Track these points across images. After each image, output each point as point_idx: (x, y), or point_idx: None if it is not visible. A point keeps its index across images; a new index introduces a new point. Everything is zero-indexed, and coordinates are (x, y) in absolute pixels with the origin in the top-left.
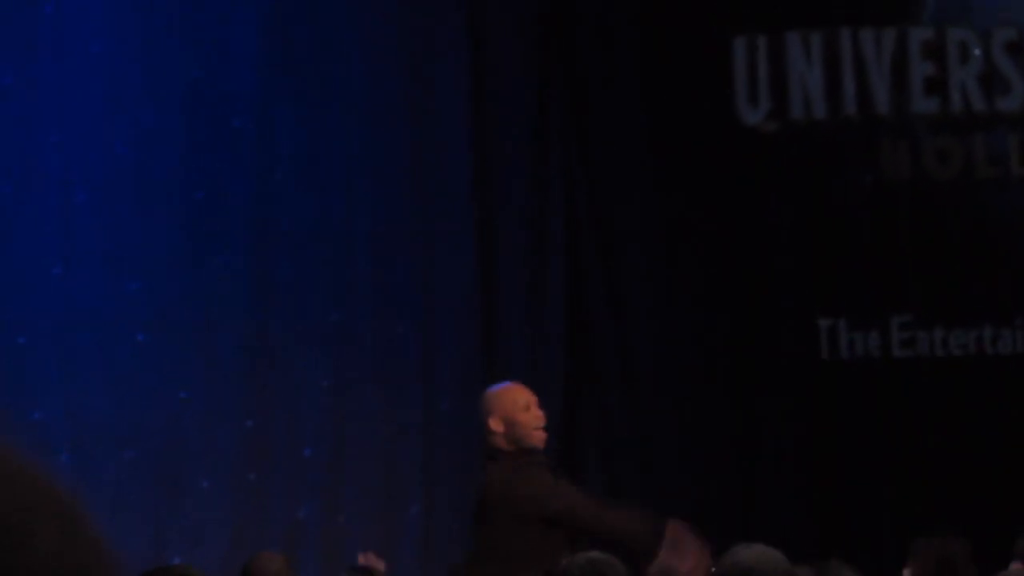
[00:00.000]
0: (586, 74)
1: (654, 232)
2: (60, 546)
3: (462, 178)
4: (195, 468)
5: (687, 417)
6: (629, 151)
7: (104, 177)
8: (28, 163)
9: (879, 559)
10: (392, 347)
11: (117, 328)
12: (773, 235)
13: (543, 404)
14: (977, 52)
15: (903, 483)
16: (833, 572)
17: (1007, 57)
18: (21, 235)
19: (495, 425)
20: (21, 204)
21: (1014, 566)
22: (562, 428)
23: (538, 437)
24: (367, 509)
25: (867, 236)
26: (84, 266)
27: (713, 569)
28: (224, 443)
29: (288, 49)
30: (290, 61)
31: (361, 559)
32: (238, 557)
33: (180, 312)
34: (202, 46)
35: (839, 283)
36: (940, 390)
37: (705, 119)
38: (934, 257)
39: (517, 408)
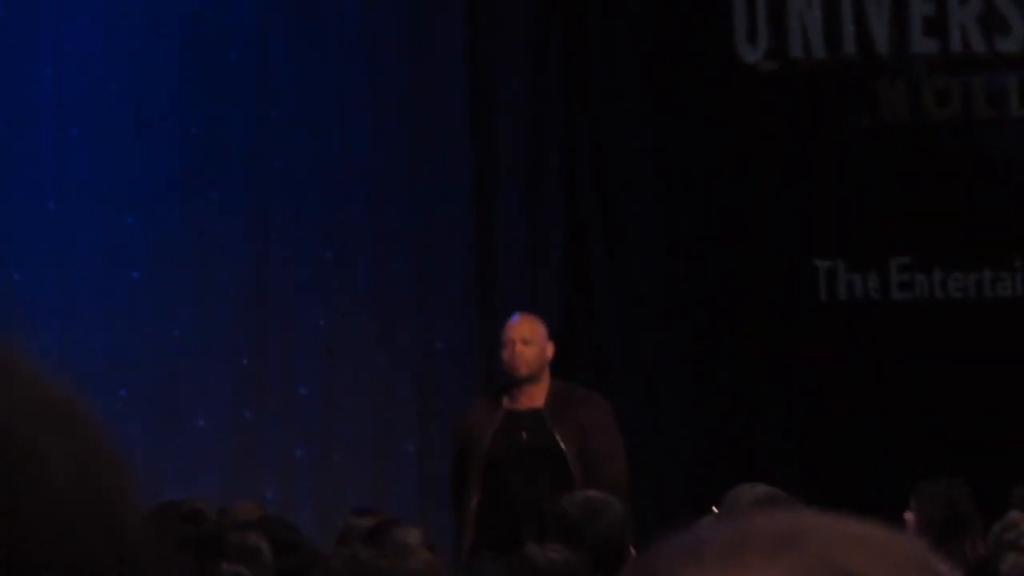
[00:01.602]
0: (585, 10)
1: (651, 169)
2: (73, 460)
3: (459, 111)
4: (190, 406)
5: (685, 357)
6: (627, 87)
7: (99, 111)
8: (21, 97)
9: (879, 502)
10: (386, 284)
11: (112, 264)
12: (771, 175)
13: None
14: None
15: (902, 425)
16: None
17: None
18: (15, 170)
19: None
20: (14, 139)
21: (1013, 514)
22: (559, 366)
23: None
24: (362, 447)
25: (865, 177)
26: (79, 201)
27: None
28: (219, 381)
29: None
30: None
31: None
32: (233, 495)
33: (175, 248)
34: None
35: (837, 224)
36: (939, 332)
37: (703, 57)
38: (933, 199)
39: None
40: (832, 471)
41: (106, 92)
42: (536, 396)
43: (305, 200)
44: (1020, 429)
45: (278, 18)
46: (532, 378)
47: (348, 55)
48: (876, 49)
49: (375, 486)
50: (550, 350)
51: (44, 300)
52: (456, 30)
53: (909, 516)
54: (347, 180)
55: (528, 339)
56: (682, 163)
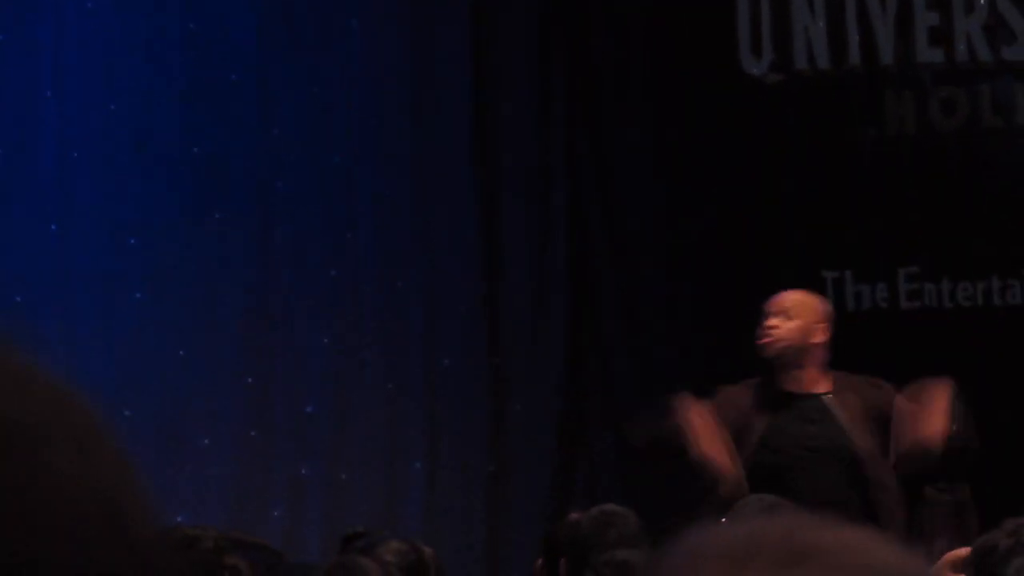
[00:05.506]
0: (588, 23)
1: (656, 184)
2: (77, 464)
3: (463, 128)
4: (195, 426)
5: (693, 372)
6: (631, 102)
7: (100, 133)
8: (23, 120)
9: None
10: (392, 303)
11: (115, 286)
12: (777, 187)
13: (545, 362)
14: (982, 1)
15: None
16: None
17: (1012, 6)
18: (17, 193)
19: None
20: (16, 162)
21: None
22: (565, 384)
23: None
24: (369, 465)
25: (872, 187)
26: (81, 223)
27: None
28: (224, 401)
29: (287, 1)
30: (289, 13)
31: None
32: (241, 515)
33: (179, 269)
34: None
35: (845, 235)
36: (948, 342)
37: (708, 70)
38: (940, 208)
39: None
40: None
41: (107, 114)
42: (808, 383)
43: (309, 219)
44: None
45: (278, 38)
46: (783, 360)
47: (351, 73)
48: (881, 60)
49: (383, 504)
50: (818, 334)
51: (47, 322)
52: (459, 48)
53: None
54: (351, 199)
55: (787, 311)
56: (688, 177)
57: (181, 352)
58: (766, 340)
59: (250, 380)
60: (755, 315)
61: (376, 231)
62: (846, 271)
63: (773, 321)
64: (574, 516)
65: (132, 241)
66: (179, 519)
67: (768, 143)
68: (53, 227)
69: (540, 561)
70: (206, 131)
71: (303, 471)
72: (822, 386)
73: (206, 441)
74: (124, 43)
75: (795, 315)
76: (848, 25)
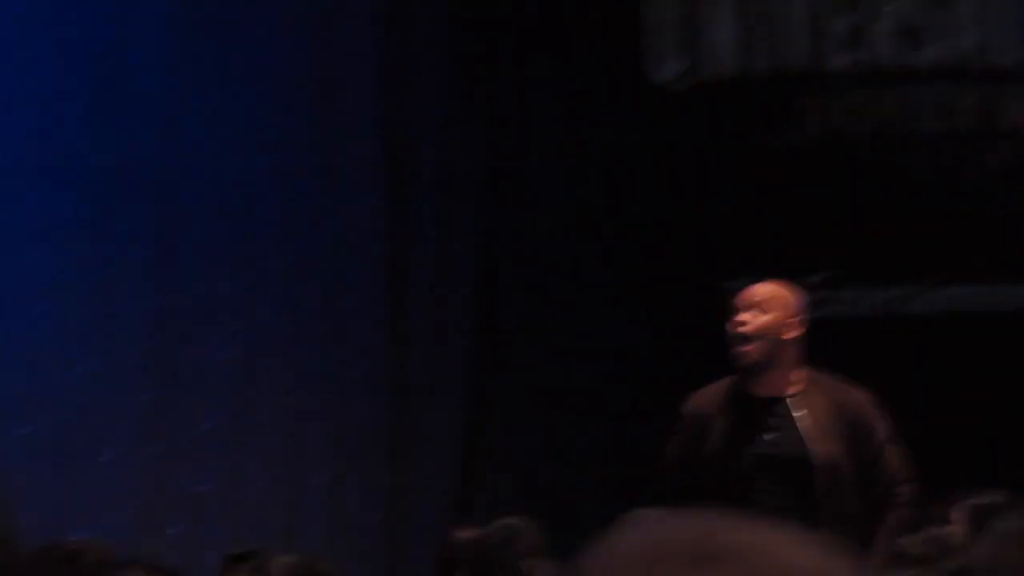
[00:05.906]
0: (497, 28)
1: (562, 191)
2: None
3: (369, 142)
4: (93, 442)
5: (597, 374)
6: (536, 109)
7: (3, 140)
8: None
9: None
10: (294, 316)
11: (13, 297)
12: (682, 193)
13: (449, 375)
14: (890, 7)
15: None
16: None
17: (920, 11)
18: None
19: None
20: None
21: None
22: (469, 397)
23: (734, 353)
24: (270, 481)
25: (779, 194)
26: None
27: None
28: (123, 416)
29: (197, 6)
30: (197, 18)
31: None
32: (140, 532)
33: (80, 280)
34: (108, 5)
35: (750, 243)
36: (852, 351)
37: (613, 77)
38: (846, 216)
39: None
40: None
41: (12, 120)
42: (777, 385)
43: (211, 232)
44: (941, 445)
45: (186, 48)
46: (757, 361)
47: (257, 78)
48: (790, 65)
49: (284, 521)
50: (793, 329)
51: None
52: (367, 62)
53: None
54: (253, 212)
55: (759, 305)
56: (591, 183)
57: (79, 367)
58: (743, 349)
59: (149, 395)
60: (661, 327)
61: (279, 245)
62: (749, 280)
63: (745, 316)
64: (465, 532)
65: (33, 250)
66: (73, 536)
67: (674, 151)
68: None
69: None
70: (110, 138)
71: (203, 487)
72: (790, 388)
73: (104, 457)
74: (33, 48)
75: (769, 308)
76: (757, 30)
